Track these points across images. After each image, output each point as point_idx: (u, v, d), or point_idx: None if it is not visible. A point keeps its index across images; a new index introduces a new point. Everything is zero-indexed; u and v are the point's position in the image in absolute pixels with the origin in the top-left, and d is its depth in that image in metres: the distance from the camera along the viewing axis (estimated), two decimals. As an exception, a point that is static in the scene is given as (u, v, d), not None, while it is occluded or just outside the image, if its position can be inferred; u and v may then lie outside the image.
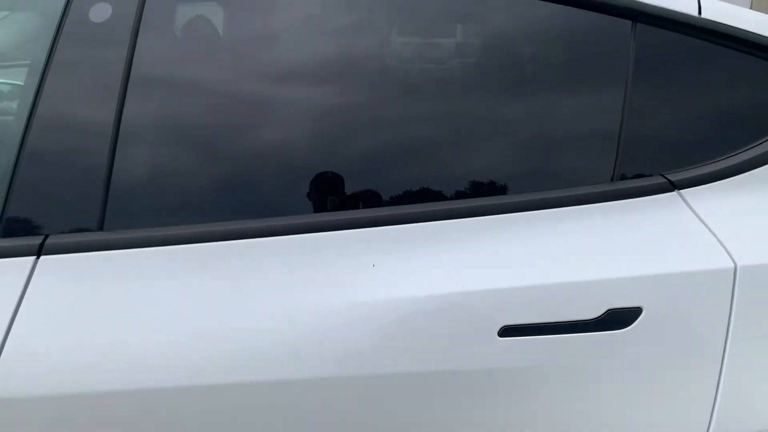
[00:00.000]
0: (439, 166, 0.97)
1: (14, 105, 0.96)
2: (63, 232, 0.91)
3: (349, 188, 0.95)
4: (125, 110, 0.92)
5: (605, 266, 0.90)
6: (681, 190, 0.97)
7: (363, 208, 0.93)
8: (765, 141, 0.99)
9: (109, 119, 0.91)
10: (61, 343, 0.85)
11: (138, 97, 0.92)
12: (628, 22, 1.01)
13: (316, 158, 0.96)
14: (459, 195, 0.96)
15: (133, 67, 0.92)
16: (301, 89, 0.98)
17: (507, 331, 0.88)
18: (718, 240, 0.93)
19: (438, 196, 0.95)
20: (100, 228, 0.91)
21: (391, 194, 0.95)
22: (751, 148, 0.99)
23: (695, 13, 1.01)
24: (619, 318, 0.89)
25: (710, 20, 1.01)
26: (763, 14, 1.07)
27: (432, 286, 0.88)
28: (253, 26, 0.99)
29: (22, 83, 1.02)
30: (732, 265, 0.90)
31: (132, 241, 0.90)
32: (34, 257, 0.89)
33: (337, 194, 0.94)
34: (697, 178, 0.97)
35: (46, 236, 0.90)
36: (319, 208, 0.94)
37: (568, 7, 1.00)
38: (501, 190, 0.97)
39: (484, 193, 0.96)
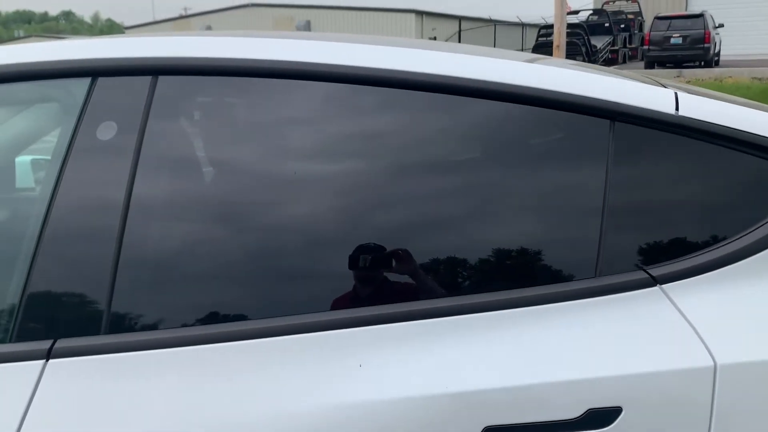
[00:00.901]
0: (423, 265, 1.01)
1: (31, 210, 1.03)
2: (71, 336, 0.97)
3: (335, 288, 0.99)
4: (128, 224, 0.99)
5: (586, 365, 0.93)
6: (663, 285, 0.99)
7: (349, 307, 0.97)
8: (746, 234, 1.01)
9: (113, 234, 0.98)
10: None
11: (140, 211, 0.99)
12: (607, 122, 1.05)
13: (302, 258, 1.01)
14: (443, 294, 0.99)
15: (135, 181, 1.00)
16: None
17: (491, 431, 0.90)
18: (699, 337, 0.94)
19: (421, 295, 0.99)
20: (107, 332, 0.97)
21: (374, 293, 1.00)
22: (733, 241, 1.01)
23: (672, 111, 1.05)
24: (599, 418, 0.90)
25: (687, 117, 1.04)
26: (746, 108, 1.10)
27: (416, 387, 0.92)
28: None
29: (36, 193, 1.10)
30: (712, 363, 0.92)
31: (134, 344, 0.95)
32: (44, 360, 0.95)
33: (325, 293, 0.99)
34: (679, 273, 1.00)
35: (55, 340, 0.96)
36: (306, 308, 0.98)
37: (550, 110, 1.05)
38: (485, 288, 1.00)
39: (467, 292, 1.00)
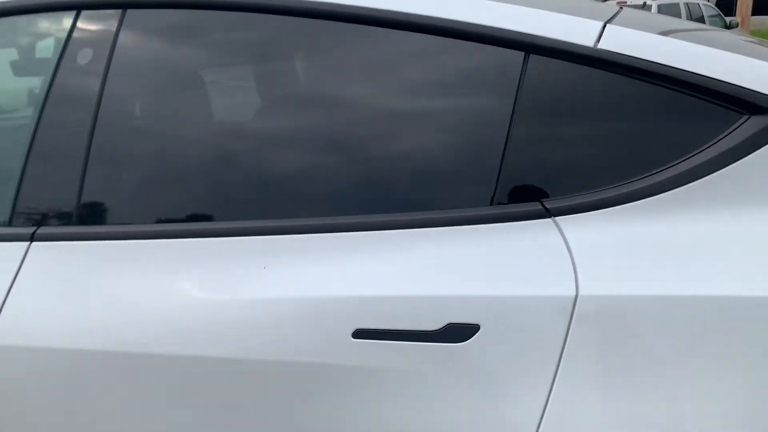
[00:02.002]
0: (325, 184, 1.10)
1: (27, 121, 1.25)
2: (50, 225, 1.20)
3: (248, 198, 1.12)
4: (95, 134, 1.17)
5: (455, 283, 0.99)
6: (556, 217, 1.01)
7: (261, 218, 1.10)
8: (648, 176, 1.00)
9: (84, 141, 1.17)
10: (35, 306, 1.14)
11: (105, 122, 1.18)
12: (521, 54, 1.06)
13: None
14: (342, 212, 1.09)
15: (103, 97, 1.18)
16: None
17: (360, 334, 1.00)
18: (574, 268, 0.97)
19: (323, 212, 1.09)
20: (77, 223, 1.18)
21: (288, 206, 1.11)
22: (634, 180, 1.00)
23: (591, 44, 1.03)
24: (457, 332, 0.97)
25: (606, 50, 1.03)
26: (679, 41, 1.05)
27: (304, 289, 1.03)
28: None
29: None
30: (574, 294, 0.94)
31: (98, 235, 1.15)
32: (28, 242, 1.18)
33: (240, 203, 1.13)
34: (575, 207, 1.01)
35: (38, 227, 1.19)
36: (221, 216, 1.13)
37: (463, 41, 1.08)
38: (384, 209, 1.08)
39: (367, 212, 1.08)
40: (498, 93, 1.07)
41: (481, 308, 0.97)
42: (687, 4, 12.02)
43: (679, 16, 10.93)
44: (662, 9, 11.50)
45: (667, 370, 0.92)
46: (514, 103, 1.05)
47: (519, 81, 1.05)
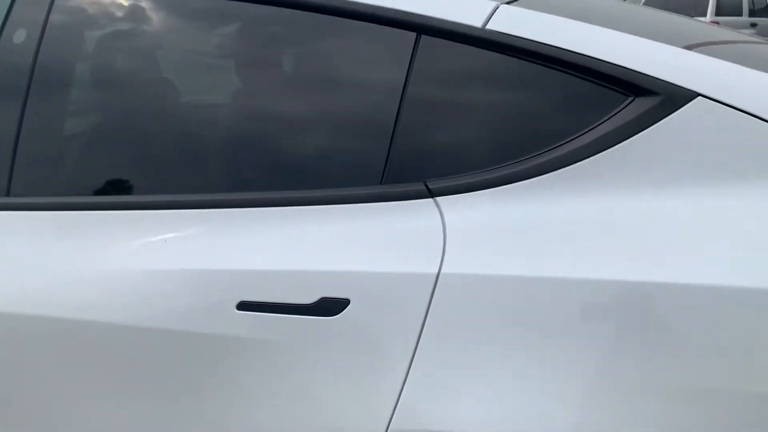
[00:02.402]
0: (225, 162, 1.14)
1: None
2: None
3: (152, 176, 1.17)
4: (27, 108, 1.24)
5: (330, 259, 1.01)
6: (437, 198, 1.02)
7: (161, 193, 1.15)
8: (530, 157, 0.99)
9: (15, 117, 1.24)
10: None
11: (36, 97, 1.24)
12: (413, 35, 1.07)
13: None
14: (236, 188, 1.12)
15: (34, 74, 1.25)
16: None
17: (243, 306, 1.04)
18: (444, 248, 0.98)
19: (219, 188, 1.13)
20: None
21: (188, 182, 1.16)
22: (515, 162, 1.00)
23: (480, 24, 1.03)
24: (330, 306, 1.00)
25: (494, 31, 1.02)
26: (572, 20, 1.04)
27: (194, 261, 1.08)
28: None
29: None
30: (437, 271, 0.95)
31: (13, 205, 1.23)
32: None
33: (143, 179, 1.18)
34: (456, 188, 1.02)
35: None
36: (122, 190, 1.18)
37: (357, 21, 1.09)
38: (281, 185, 1.11)
39: (261, 189, 1.11)
40: (390, 73, 1.08)
41: (351, 283, 0.99)
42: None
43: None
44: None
45: (514, 347, 0.92)
46: (405, 83, 1.06)
47: (410, 62, 1.06)
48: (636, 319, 0.89)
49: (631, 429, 0.88)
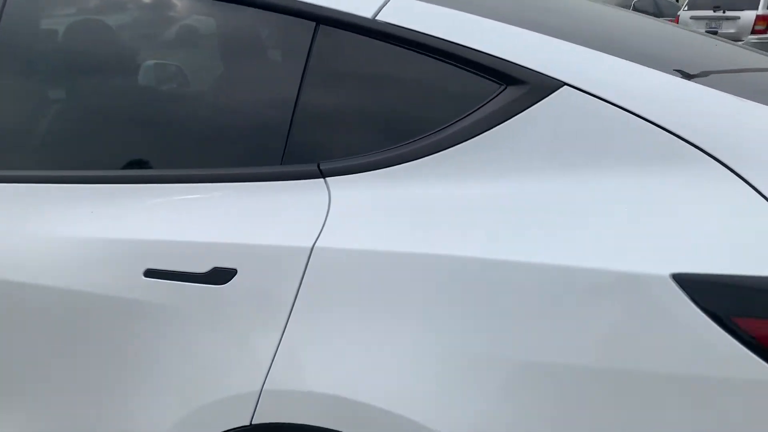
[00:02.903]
0: (142, 141, 1.24)
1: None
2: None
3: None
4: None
5: (224, 232, 1.10)
6: (327, 178, 1.09)
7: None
8: (411, 141, 1.05)
9: None
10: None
11: None
12: (312, 24, 1.14)
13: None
14: (152, 165, 1.22)
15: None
16: None
17: (149, 273, 1.14)
18: (323, 223, 1.05)
19: (137, 165, 1.24)
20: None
21: (111, 159, 1.26)
22: (398, 146, 1.06)
23: (370, 15, 1.10)
24: (220, 275, 1.08)
25: (383, 22, 1.09)
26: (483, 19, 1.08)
27: (110, 231, 1.18)
28: None
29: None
30: (311, 245, 1.03)
31: None
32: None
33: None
34: (344, 169, 1.09)
35: None
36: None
37: (263, 10, 1.17)
38: (193, 164, 1.20)
39: (175, 166, 1.21)
40: (291, 61, 1.16)
41: (239, 255, 1.08)
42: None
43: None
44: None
45: (376, 318, 0.99)
46: (304, 70, 1.13)
47: (309, 50, 1.13)
48: (471, 294, 0.94)
49: (455, 393, 0.94)
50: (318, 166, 1.10)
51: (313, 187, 1.09)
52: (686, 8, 11.80)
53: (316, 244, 1.03)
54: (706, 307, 0.82)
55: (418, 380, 0.96)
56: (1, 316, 1.27)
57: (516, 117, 1.00)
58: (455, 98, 1.06)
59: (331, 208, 1.06)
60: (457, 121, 1.04)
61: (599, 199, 0.95)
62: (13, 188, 1.30)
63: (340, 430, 0.99)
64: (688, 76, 1.05)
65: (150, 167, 1.23)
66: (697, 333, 0.83)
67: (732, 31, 10.83)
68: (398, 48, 1.08)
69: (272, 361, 1.04)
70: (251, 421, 1.05)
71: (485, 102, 1.03)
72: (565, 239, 0.93)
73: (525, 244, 0.94)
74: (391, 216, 1.03)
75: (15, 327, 1.27)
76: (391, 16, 1.09)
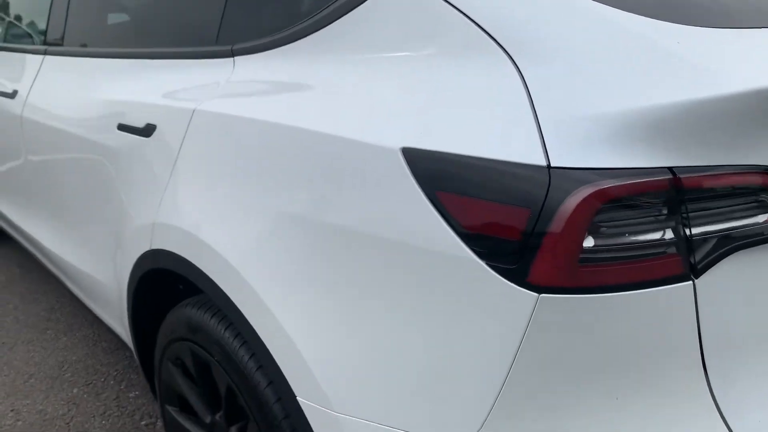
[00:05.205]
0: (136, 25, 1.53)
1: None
2: None
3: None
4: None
5: (156, 96, 1.35)
6: (236, 57, 1.27)
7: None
8: (290, 27, 1.17)
9: None
10: None
11: None
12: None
13: None
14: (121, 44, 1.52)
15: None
16: None
17: (120, 127, 1.44)
18: (216, 91, 1.24)
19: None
20: None
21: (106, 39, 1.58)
22: (280, 31, 1.19)
23: None
24: (149, 129, 1.34)
25: None
26: None
27: (98, 93, 1.51)
28: None
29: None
30: (194, 107, 1.22)
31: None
32: None
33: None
34: (245, 49, 1.25)
35: None
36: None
37: None
38: (149, 44, 1.48)
39: (141, 46, 1.50)
40: None
41: (159, 113, 1.32)
42: None
43: None
44: None
45: (238, 171, 1.11)
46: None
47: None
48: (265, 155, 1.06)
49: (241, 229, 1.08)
50: (231, 47, 1.28)
51: (223, 64, 1.28)
52: None
53: (198, 108, 1.22)
54: (418, 180, 0.85)
55: (231, 225, 1.10)
56: (41, 145, 1.71)
57: (363, 5, 1.06)
58: None
59: (228, 81, 1.24)
60: (324, 8, 1.13)
61: (383, 79, 0.98)
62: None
63: (182, 254, 1.19)
64: None
65: (131, 47, 1.55)
66: (412, 203, 0.85)
67: None
68: None
69: (161, 199, 1.28)
70: (150, 246, 1.31)
71: None
72: (334, 111, 1.00)
73: (300, 113, 1.03)
74: (269, 88, 1.15)
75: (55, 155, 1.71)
76: None
